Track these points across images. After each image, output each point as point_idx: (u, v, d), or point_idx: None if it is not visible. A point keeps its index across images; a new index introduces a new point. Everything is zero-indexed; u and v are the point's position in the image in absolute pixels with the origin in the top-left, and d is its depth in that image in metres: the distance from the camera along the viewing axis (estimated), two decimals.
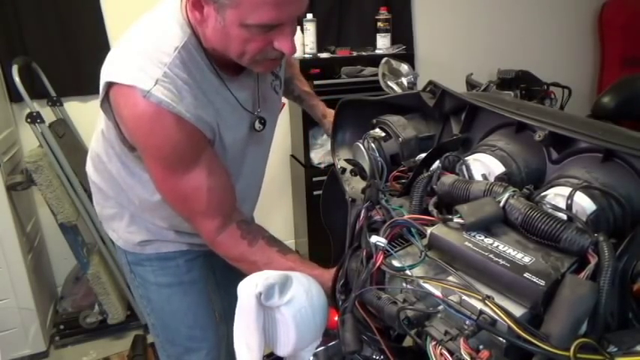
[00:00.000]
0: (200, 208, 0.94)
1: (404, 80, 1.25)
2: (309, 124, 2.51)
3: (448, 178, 0.73)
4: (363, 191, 0.86)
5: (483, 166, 0.76)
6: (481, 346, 0.54)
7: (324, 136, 2.60)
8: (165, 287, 1.19)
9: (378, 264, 0.68)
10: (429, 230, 0.66)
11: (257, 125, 1.06)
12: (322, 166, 2.59)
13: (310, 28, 2.51)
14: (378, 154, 0.95)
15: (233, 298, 0.79)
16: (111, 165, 1.06)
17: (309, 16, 2.51)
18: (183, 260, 1.19)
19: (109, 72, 0.86)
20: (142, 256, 1.17)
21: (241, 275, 0.84)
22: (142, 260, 1.18)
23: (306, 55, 2.53)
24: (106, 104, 0.90)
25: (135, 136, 0.90)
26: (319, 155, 2.60)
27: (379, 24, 2.69)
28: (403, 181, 0.89)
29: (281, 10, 0.79)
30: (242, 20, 0.79)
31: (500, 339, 0.53)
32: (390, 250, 0.70)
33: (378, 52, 2.70)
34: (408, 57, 2.61)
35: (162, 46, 0.86)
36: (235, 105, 0.99)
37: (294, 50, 0.86)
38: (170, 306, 1.21)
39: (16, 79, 1.91)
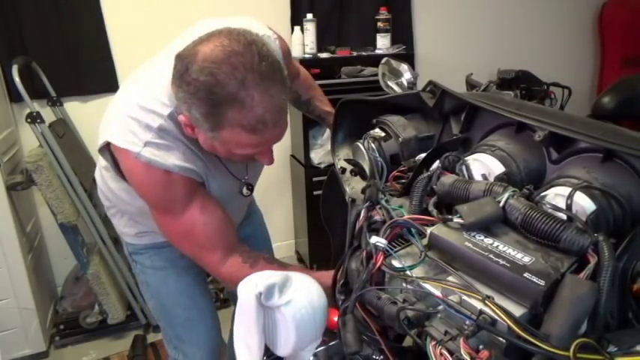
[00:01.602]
0: (200, 242, 1.01)
1: (404, 80, 1.25)
2: (309, 124, 2.50)
3: (448, 178, 0.73)
4: (363, 191, 0.86)
5: (483, 166, 0.76)
6: (481, 346, 0.55)
7: (324, 136, 2.59)
8: (161, 270, 1.26)
9: (378, 264, 0.68)
10: (428, 230, 0.66)
11: (244, 191, 1.14)
12: (322, 166, 2.59)
13: (310, 28, 2.51)
14: (378, 154, 0.95)
15: None
16: (110, 181, 1.13)
17: (309, 16, 2.51)
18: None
19: (106, 133, 0.95)
20: (140, 245, 1.26)
21: None
22: (140, 249, 1.26)
23: (306, 55, 2.53)
24: (105, 150, 0.99)
25: (132, 186, 0.99)
26: (319, 155, 2.60)
27: (379, 24, 2.69)
28: (403, 181, 0.89)
29: (261, 147, 0.89)
30: (228, 150, 0.89)
31: (500, 339, 0.53)
32: (390, 250, 0.70)
33: (378, 52, 2.69)
34: (408, 57, 2.60)
35: (157, 109, 0.93)
36: (224, 171, 1.05)
37: (272, 162, 0.95)
38: (166, 288, 1.27)
39: (16, 79, 1.91)
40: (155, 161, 0.91)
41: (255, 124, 0.80)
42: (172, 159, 0.93)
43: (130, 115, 0.93)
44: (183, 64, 0.80)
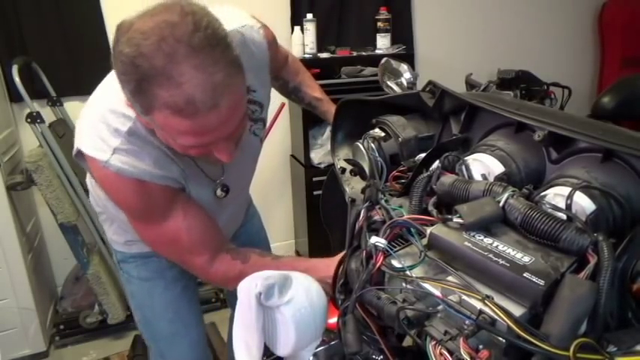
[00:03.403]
0: (185, 248, 0.96)
1: (404, 80, 1.25)
2: (309, 124, 2.51)
3: (448, 178, 0.73)
4: (363, 191, 0.86)
5: (483, 166, 0.76)
6: (481, 346, 0.54)
7: (324, 136, 2.60)
8: (147, 281, 1.22)
9: (378, 265, 0.68)
10: (428, 230, 0.66)
11: (219, 192, 1.04)
12: (322, 166, 2.59)
13: (310, 28, 2.51)
14: (377, 154, 0.95)
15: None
16: (96, 188, 1.09)
17: (309, 16, 2.51)
18: (166, 258, 1.19)
19: (77, 139, 0.90)
20: (128, 254, 1.21)
21: None
22: (128, 257, 1.22)
23: (306, 55, 2.53)
24: (80, 157, 0.92)
25: (107, 195, 0.95)
26: (319, 155, 2.60)
27: (379, 24, 2.69)
28: (403, 181, 0.89)
29: (204, 137, 0.77)
30: (173, 138, 0.79)
31: (500, 339, 0.53)
32: (390, 250, 0.70)
33: (378, 52, 2.70)
34: (408, 57, 2.61)
35: (126, 111, 0.86)
36: (199, 173, 0.98)
37: (231, 159, 0.84)
38: (151, 300, 1.23)
39: (16, 79, 1.91)
40: (125, 170, 0.85)
41: (183, 104, 0.70)
42: (143, 166, 0.87)
43: (100, 119, 0.87)
44: (116, 36, 0.72)
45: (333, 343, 0.89)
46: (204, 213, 0.98)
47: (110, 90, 0.89)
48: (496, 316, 0.53)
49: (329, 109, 1.33)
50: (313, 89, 1.34)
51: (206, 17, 0.71)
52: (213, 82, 0.70)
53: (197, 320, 1.30)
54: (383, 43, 2.71)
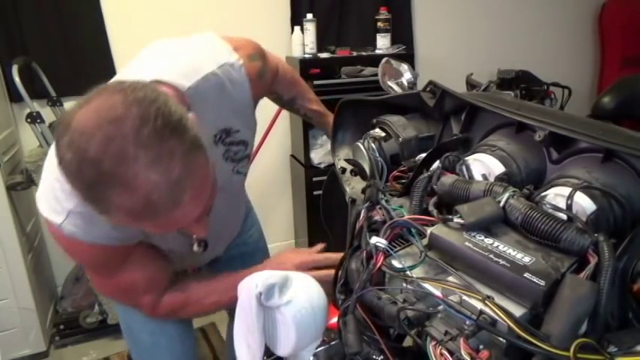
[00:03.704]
0: (138, 293, 0.96)
1: (404, 80, 1.24)
2: (309, 124, 2.50)
3: (448, 178, 0.73)
4: (363, 191, 0.86)
5: (483, 166, 0.76)
6: (481, 346, 0.54)
7: (324, 136, 2.59)
8: None
9: (378, 265, 0.68)
10: (429, 230, 0.66)
11: (195, 248, 0.98)
12: (322, 166, 2.59)
13: (310, 28, 2.51)
14: (378, 154, 0.95)
15: None
16: None
17: (309, 16, 2.51)
18: None
19: (37, 193, 0.86)
20: None
21: None
22: None
23: (306, 55, 2.53)
24: None
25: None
26: (319, 155, 2.60)
27: (379, 24, 2.69)
28: (403, 181, 0.89)
29: (170, 228, 0.70)
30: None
31: (501, 339, 0.53)
32: (390, 250, 0.70)
33: (378, 52, 2.70)
34: (408, 57, 2.61)
35: None
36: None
37: (207, 232, 0.78)
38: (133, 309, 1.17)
39: (16, 79, 1.91)
40: (78, 234, 0.81)
41: (140, 209, 0.63)
42: (98, 231, 0.80)
43: (56, 177, 0.78)
44: (56, 135, 0.64)
45: (333, 343, 0.89)
46: (159, 261, 0.97)
47: None
48: (497, 317, 0.53)
49: (325, 120, 1.29)
50: (309, 101, 1.28)
51: (153, 104, 0.62)
52: (171, 178, 0.62)
53: (183, 334, 1.23)
54: (383, 43, 2.71)
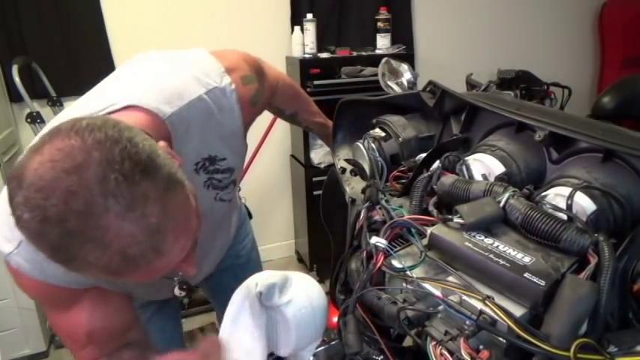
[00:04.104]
0: (80, 344, 0.83)
1: (404, 80, 1.25)
2: None
3: (448, 178, 0.73)
4: (363, 191, 0.86)
5: (483, 166, 0.76)
6: (481, 346, 0.54)
7: None
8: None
9: (378, 265, 0.68)
10: (429, 230, 0.66)
11: (176, 291, 0.89)
12: (322, 166, 2.59)
13: (310, 28, 2.51)
14: (378, 154, 0.95)
15: None
16: None
17: (309, 16, 2.51)
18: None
19: None
20: None
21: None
22: None
23: (306, 55, 2.53)
24: None
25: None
26: (319, 155, 2.60)
27: (379, 24, 2.69)
28: (403, 181, 0.89)
29: (155, 276, 0.62)
30: None
31: (501, 339, 0.53)
32: (390, 250, 0.70)
33: (378, 52, 2.69)
34: (408, 57, 2.60)
35: None
36: None
37: (196, 271, 0.69)
38: None
39: (16, 79, 1.91)
40: (25, 269, 0.73)
41: (117, 265, 0.55)
42: (51, 270, 0.71)
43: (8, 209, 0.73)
44: (9, 190, 0.55)
45: (333, 343, 0.89)
46: (118, 304, 0.84)
47: None
48: (497, 317, 0.53)
49: (328, 131, 1.24)
50: (311, 114, 1.23)
51: (117, 145, 0.53)
52: (149, 226, 0.54)
53: (167, 347, 1.10)
54: (383, 43, 2.71)
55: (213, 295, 1.34)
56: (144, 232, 0.54)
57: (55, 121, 0.79)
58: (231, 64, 0.87)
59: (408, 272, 0.66)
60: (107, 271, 0.56)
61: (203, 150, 0.84)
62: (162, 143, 0.62)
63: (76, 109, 0.77)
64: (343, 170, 1.04)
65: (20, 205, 0.52)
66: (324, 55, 2.59)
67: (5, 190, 0.72)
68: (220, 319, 0.83)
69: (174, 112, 0.75)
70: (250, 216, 1.45)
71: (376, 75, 1.47)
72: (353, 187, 1.00)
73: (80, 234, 0.52)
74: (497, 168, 0.75)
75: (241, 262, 1.27)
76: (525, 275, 0.55)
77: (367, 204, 0.80)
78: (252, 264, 1.32)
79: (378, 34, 2.71)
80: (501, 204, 0.64)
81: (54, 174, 0.51)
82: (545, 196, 0.66)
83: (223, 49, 0.94)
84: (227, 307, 0.80)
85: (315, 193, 2.57)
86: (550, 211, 0.62)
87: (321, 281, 1.01)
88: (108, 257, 0.54)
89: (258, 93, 0.92)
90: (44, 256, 0.55)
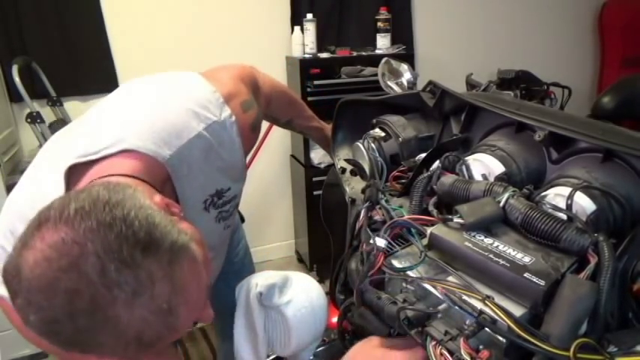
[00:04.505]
0: None
1: (404, 80, 1.25)
2: None
3: (448, 178, 0.74)
4: (363, 191, 0.86)
5: (483, 166, 0.76)
6: (481, 346, 0.54)
7: None
8: None
9: (378, 265, 0.68)
10: (429, 230, 0.66)
11: None
12: (322, 166, 2.59)
13: (310, 28, 2.51)
14: (378, 154, 0.95)
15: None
16: None
17: (309, 16, 2.51)
18: None
19: None
20: None
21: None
22: None
23: (306, 55, 2.53)
24: None
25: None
26: (319, 155, 2.60)
27: (379, 24, 2.69)
28: (403, 181, 0.89)
29: (177, 335, 0.60)
30: None
31: (501, 339, 0.53)
32: (390, 250, 0.70)
33: (378, 52, 2.69)
34: (408, 57, 2.60)
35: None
36: None
37: (212, 316, 0.65)
38: None
39: (16, 79, 1.91)
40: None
41: (133, 351, 0.53)
42: None
43: (8, 227, 0.70)
44: (9, 290, 0.52)
45: (333, 343, 0.89)
46: None
47: (30, 188, 0.74)
48: (496, 317, 0.53)
49: (324, 135, 1.24)
50: (306, 119, 1.22)
51: (112, 230, 0.50)
52: (160, 307, 0.52)
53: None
54: (383, 43, 2.71)
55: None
56: (156, 314, 0.52)
57: (41, 154, 0.78)
58: (230, 90, 0.83)
59: (408, 272, 0.66)
60: (124, 356, 0.54)
61: (208, 186, 0.82)
62: (157, 199, 0.59)
63: (65, 144, 0.73)
64: (343, 170, 1.04)
65: (24, 307, 0.51)
66: (324, 55, 2.59)
67: (9, 199, 0.74)
68: (216, 327, 0.82)
69: (173, 154, 0.72)
70: (242, 220, 1.43)
71: (376, 75, 1.47)
72: (353, 187, 1.00)
73: (92, 329, 0.50)
74: (497, 168, 0.75)
75: (235, 268, 1.25)
76: (525, 275, 0.55)
77: (367, 204, 0.80)
78: (245, 270, 1.30)
79: (378, 34, 2.71)
80: (501, 204, 0.64)
81: (52, 275, 0.49)
82: (545, 196, 0.66)
83: (216, 67, 0.91)
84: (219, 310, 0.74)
85: (315, 193, 2.57)
86: (550, 211, 0.62)
87: (321, 281, 1.01)
88: (123, 345, 0.52)
89: (258, 116, 0.90)
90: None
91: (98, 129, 0.74)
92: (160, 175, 0.71)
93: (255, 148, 2.33)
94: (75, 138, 0.76)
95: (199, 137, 0.75)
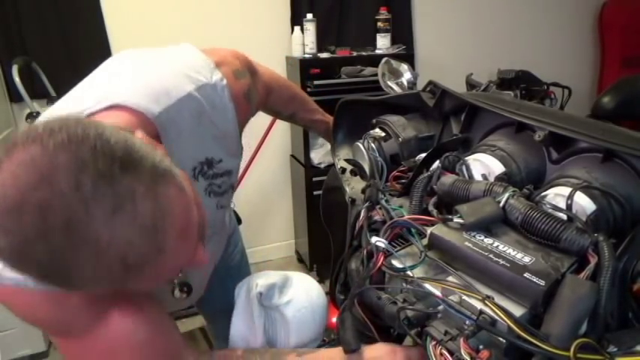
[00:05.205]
0: None
1: (404, 80, 1.25)
2: None
3: (448, 178, 0.74)
4: (363, 191, 0.86)
5: (483, 166, 0.76)
6: (481, 346, 0.54)
7: None
8: None
9: (378, 265, 0.68)
10: (429, 230, 0.66)
11: (177, 294, 0.79)
12: (322, 166, 2.59)
13: (310, 28, 2.51)
14: (378, 154, 0.95)
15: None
16: None
17: (309, 16, 2.51)
18: None
19: None
20: None
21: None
22: None
23: (306, 55, 2.53)
24: None
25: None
26: (319, 155, 2.60)
27: (379, 24, 2.69)
28: (403, 181, 0.89)
29: (155, 280, 0.56)
30: None
31: (501, 339, 0.53)
32: (390, 250, 0.70)
33: (378, 52, 2.69)
34: (408, 57, 2.60)
35: None
36: None
37: (207, 261, 0.62)
38: None
39: (16, 79, 1.91)
40: (19, 281, 0.58)
41: (119, 273, 0.49)
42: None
43: None
44: None
45: (333, 343, 0.89)
46: (155, 309, 0.71)
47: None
48: (496, 317, 0.53)
49: (327, 128, 1.21)
50: (309, 112, 1.19)
51: (84, 144, 0.46)
52: (143, 225, 0.48)
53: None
54: (383, 43, 2.70)
55: (204, 309, 1.30)
56: (139, 232, 0.47)
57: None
58: (221, 58, 0.82)
59: (408, 272, 0.66)
60: (108, 282, 0.50)
61: (198, 153, 0.79)
62: (139, 134, 0.55)
63: (53, 114, 0.69)
64: (343, 170, 1.04)
65: None
66: (324, 55, 2.59)
67: None
68: (210, 331, 0.82)
69: (162, 111, 0.69)
70: (239, 221, 1.41)
71: (376, 75, 1.47)
72: (353, 187, 1.00)
73: (68, 249, 0.45)
74: (497, 168, 0.75)
75: (232, 272, 1.20)
76: (525, 275, 0.55)
77: (367, 204, 0.80)
78: (242, 273, 1.24)
79: (378, 34, 2.71)
80: (501, 204, 0.64)
81: (20, 193, 0.44)
82: (545, 196, 0.66)
83: (213, 47, 0.90)
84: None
85: (315, 193, 2.57)
86: (550, 211, 0.62)
87: (321, 281, 1.01)
88: (106, 268, 0.47)
89: (251, 88, 0.87)
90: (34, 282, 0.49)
91: (83, 91, 0.74)
92: (149, 134, 0.64)
93: (255, 148, 2.34)
94: (61, 105, 0.74)
95: (190, 97, 0.73)
